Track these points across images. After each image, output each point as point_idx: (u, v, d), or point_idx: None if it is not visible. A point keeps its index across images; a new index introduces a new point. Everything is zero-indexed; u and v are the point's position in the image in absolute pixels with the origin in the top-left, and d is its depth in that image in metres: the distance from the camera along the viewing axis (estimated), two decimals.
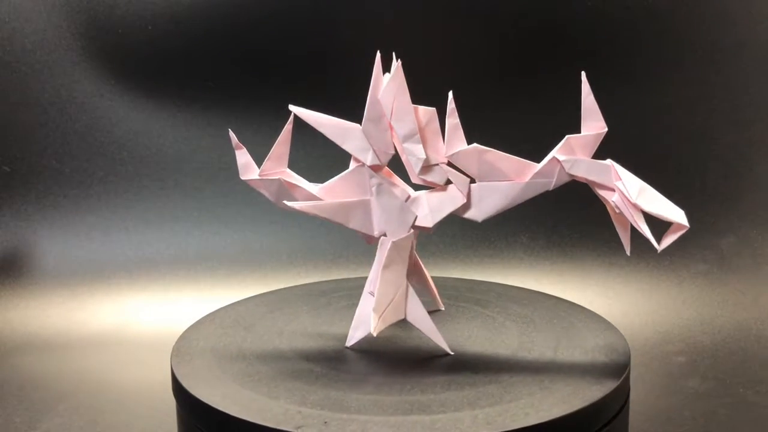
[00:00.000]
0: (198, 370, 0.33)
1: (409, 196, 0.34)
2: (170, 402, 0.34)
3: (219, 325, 0.39)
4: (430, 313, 0.35)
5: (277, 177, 0.35)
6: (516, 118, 0.66)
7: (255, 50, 0.67)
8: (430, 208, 0.34)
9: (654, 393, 0.49)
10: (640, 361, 0.53)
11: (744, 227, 0.64)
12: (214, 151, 0.68)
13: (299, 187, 0.35)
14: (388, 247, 0.34)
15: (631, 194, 0.31)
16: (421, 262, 0.39)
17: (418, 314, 0.35)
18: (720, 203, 0.65)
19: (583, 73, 0.31)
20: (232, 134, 0.36)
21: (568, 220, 0.66)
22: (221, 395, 0.31)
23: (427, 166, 0.33)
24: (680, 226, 0.30)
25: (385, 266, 0.34)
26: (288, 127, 0.35)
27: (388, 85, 0.32)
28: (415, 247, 0.38)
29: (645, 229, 0.31)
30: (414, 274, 0.39)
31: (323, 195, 0.35)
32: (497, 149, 0.32)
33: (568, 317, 0.40)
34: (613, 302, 0.60)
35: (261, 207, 0.68)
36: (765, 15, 0.64)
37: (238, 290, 0.61)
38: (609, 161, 0.32)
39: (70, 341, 0.59)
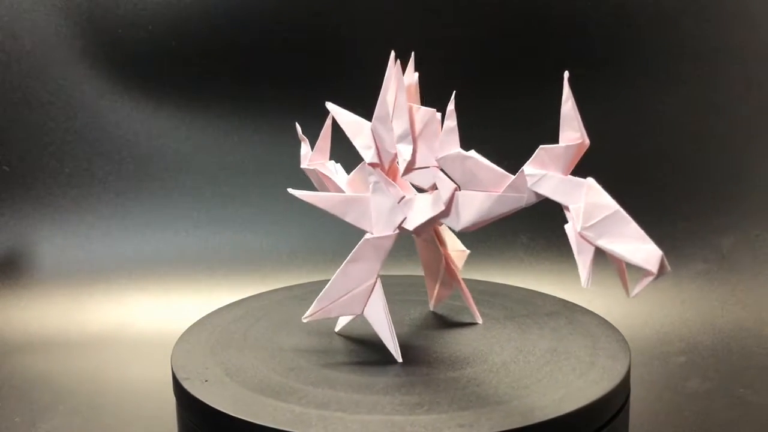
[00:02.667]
0: (198, 370, 0.33)
1: (403, 197, 0.33)
2: (170, 402, 0.34)
3: (219, 325, 0.39)
4: (463, 325, 0.35)
5: (313, 168, 0.37)
6: (522, 121, 0.66)
7: (255, 49, 0.67)
8: (414, 212, 0.33)
9: (654, 393, 0.49)
10: (640, 361, 0.53)
11: (744, 227, 0.64)
12: (214, 151, 0.68)
13: (330, 178, 0.36)
14: (360, 242, 0.33)
15: (578, 222, 0.27)
16: (458, 272, 0.39)
17: (376, 313, 0.34)
18: (720, 203, 0.65)
19: (566, 74, 0.27)
20: (298, 126, 0.38)
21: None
22: (221, 395, 0.31)
23: (411, 168, 0.33)
24: (649, 272, 0.25)
25: (353, 260, 0.33)
26: (327, 122, 0.36)
27: (390, 84, 0.32)
28: (446, 254, 0.38)
29: (582, 265, 0.26)
30: (451, 282, 0.39)
31: (347, 188, 0.35)
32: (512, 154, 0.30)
33: (568, 317, 0.40)
34: (613, 302, 0.60)
35: (261, 207, 0.68)
36: (765, 14, 0.64)
37: (238, 290, 0.61)
38: (588, 180, 0.28)
39: (70, 341, 0.59)
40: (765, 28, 0.64)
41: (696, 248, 0.63)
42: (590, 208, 0.27)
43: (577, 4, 0.65)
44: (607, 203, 0.27)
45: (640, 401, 0.46)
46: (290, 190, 0.34)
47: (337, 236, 0.67)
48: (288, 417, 0.28)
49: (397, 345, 0.34)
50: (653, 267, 0.25)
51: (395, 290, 0.44)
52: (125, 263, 0.66)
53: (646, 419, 0.45)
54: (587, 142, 0.28)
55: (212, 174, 0.68)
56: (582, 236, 0.27)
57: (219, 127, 0.68)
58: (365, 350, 0.36)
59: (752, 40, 0.64)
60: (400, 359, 0.34)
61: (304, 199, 0.34)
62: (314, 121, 0.67)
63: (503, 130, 0.64)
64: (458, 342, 0.36)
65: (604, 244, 0.26)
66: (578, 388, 0.31)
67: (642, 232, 0.26)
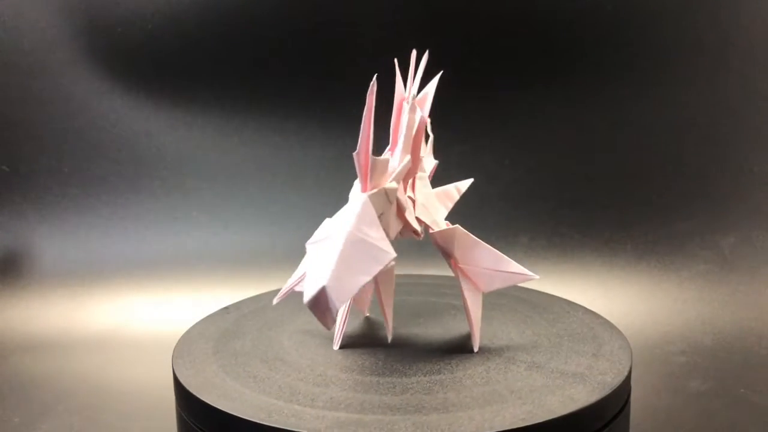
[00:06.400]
0: (198, 370, 0.33)
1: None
2: (170, 402, 0.34)
3: (219, 325, 0.39)
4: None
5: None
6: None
7: (254, 49, 0.67)
8: None
9: (655, 393, 0.49)
10: (641, 361, 0.53)
11: (744, 227, 0.64)
12: (214, 151, 0.68)
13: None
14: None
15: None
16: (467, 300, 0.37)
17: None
18: (720, 203, 0.65)
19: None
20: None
21: (568, 221, 0.65)
22: (221, 395, 0.31)
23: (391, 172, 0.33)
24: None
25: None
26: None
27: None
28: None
29: (306, 280, 0.26)
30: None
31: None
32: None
33: (569, 317, 0.40)
34: (613, 302, 0.60)
35: (261, 207, 0.68)
36: (765, 13, 0.64)
37: (238, 290, 0.61)
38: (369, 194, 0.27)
39: (70, 341, 0.59)
40: (765, 26, 0.64)
41: (697, 248, 0.63)
42: (336, 223, 0.26)
43: (578, 4, 0.65)
44: (347, 221, 0.25)
45: (640, 401, 0.46)
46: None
47: None
48: (288, 417, 0.28)
49: (341, 337, 0.36)
50: (306, 296, 0.24)
51: (445, 291, 0.45)
52: (125, 263, 0.66)
53: (647, 419, 0.45)
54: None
55: (212, 174, 0.68)
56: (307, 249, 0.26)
57: (219, 127, 0.68)
58: (365, 350, 0.36)
59: (753, 41, 0.64)
60: (336, 347, 0.36)
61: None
62: (314, 120, 0.67)
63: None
64: (460, 342, 0.36)
65: (311, 262, 0.25)
66: (579, 388, 0.30)
67: (332, 263, 0.24)
